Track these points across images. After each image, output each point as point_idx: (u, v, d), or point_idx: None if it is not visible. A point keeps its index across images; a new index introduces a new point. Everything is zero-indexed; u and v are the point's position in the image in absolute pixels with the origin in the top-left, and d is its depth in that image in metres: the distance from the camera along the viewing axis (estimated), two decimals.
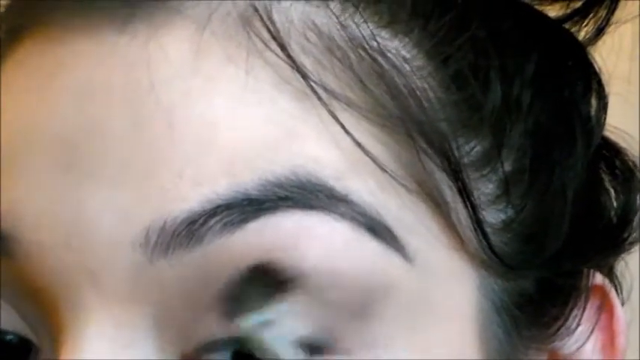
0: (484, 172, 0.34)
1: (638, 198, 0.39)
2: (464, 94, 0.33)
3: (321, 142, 0.32)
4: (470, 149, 0.34)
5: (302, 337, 0.31)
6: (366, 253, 0.31)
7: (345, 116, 0.32)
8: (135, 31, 0.32)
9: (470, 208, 0.33)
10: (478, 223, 0.33)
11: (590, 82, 0.39)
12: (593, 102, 0.38)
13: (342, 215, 0.31)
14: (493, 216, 0.34)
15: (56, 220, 0.31)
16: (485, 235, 0.33)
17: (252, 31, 0.32)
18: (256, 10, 0.32)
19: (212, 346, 0.31)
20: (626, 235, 0.39)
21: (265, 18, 0.32)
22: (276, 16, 0.32)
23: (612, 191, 0.40)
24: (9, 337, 0.33)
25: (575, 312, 0.37)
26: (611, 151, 0.40)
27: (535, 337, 0.36)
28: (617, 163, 0.40)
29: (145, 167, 0.31)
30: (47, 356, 0.32)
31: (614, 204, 0.40)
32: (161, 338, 0.31)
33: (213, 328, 0.31)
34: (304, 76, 0.31)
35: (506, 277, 0.34)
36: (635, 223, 0.39)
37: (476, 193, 0.33)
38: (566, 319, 0.36)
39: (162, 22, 0.32)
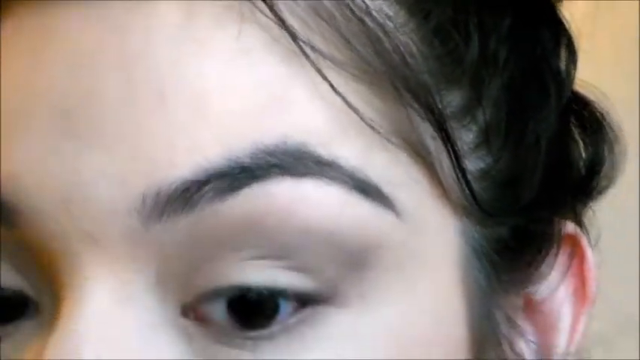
0: (464, 123, 0.35)
1: (605, 149, 0.40)
2: (445, 48, 0.34)
3: (309, 105, 0.32)
4: (451, 100, 0.34)
5: (299, 292, 0.32)
6: (358, 213, 0.32)
7: (333, 75, 0.32)
8: (121, 2, 0.32)
9: (453, 157, 0.34)
10: (461, 171, 0.34)
11: (559, 37, 0.39)
12: (563, 56, 0.39)
13: (332, 179, 0.32)
14: (473, 164, 0.35)
15: (55, 187, 0.32)
16: (467, 182, 0.34)
17: None
18: None
19: (211, 295, 0.32)
20: (594, 184, 0.40)
21: None
22: None
23: (581, 143, 0.41)
24: (6, 292, 0.33)
25: (548, 258, 0.38)
26: (580, 104, 0.41)
27: (512, 281, 0.37)
28: (586, 115, 0.41)
29: (138, 135, 0.31)
30: (48, 310, 0.33)
31: (583, 155, 0.40)
32: (161, 291, 0.32)
33: (212, 278, 0.32)
34: (293, 36, 0.32)
35: (484, 224, 0.35)
36: (602, 174, 0.40)
37: (458, 143, 0.34)
38: (540, 265, 0.37)
39: None
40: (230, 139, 0.31)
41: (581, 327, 0.39)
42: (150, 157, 0.31)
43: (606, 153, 0.41)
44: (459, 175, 0.34)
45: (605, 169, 0.41)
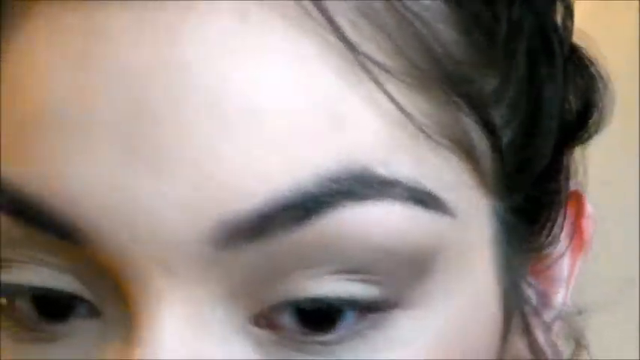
0: (498, 103, 0.34)
1: (595, 95, 0.40)
2: (480, 31, 0.33)
3: (367, 119, 0.32)
4: (489, 85, 0.34)
5: (368, 301, 0.32)
6: (420, 223, 0.32)
7: (388, 84, 0.32)
8: (174, 2, 0.31)
9: (493, 145, 0.34)
10: (500, 158, 0.34)
11: None
12: (560, 10, 0.39)
13: (395, 197, 0.32)
14: (502, 141, 0.35)
15: (118, 212, 0.31)
16: (504, 163, 0.34)
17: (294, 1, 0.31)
18: None
19: (282, 306, 0.32)
20: (584, 129, 0.40)
21: None
22: None
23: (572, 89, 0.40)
24: (56, 292, 0.33)
25: (559, 219, 0.38)
26: (570, 50, 0.40)
27: (530, 249, 0.38)
28: (576, 61, 0.40)
29: (204, 160, 0.31)
30: (109, 314, 0.33)
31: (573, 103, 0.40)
32: (232, 304, 0.32)
33: (283, 291, 0.32)
34: (352, 49, 0.31)
35: (506, 197, 0.35)
36: (595, 118, 0.40)
37: (495, 127, 0.34)
38: (553, 227, 0.38)
39: None
40: (296, 167, 0.31)
41: (576, 272, 0.40)
42: (219, 184, 0.30)
43: (596, 99, 0.40)
44: (498, 162, 0.34)
45: (595, 115, 0.40)
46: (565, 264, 0.40)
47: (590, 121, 0.40)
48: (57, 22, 0.32)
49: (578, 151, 0.41)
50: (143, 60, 0.31)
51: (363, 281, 0.32)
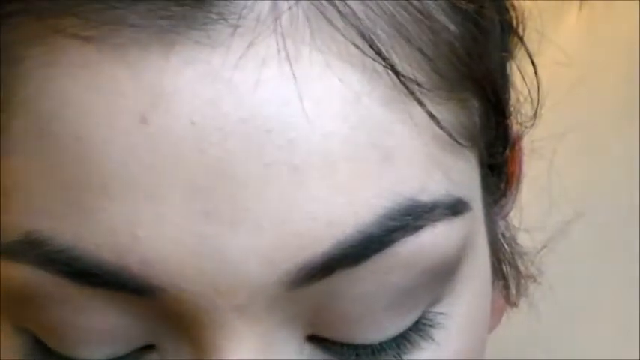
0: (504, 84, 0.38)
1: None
2: (475, 22, 0.34)
3: (410, 149, 0.33)
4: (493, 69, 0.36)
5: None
6: (457, 231, 0.34)
7: (426, 101, 0.33)
8: (226, 46, 0.31)
9: (500, 120, 0.36)
10: (504, 130, 0.37)
11: None
12: None
13: (436, 219, 0.33)
14: None
15: (200, 270, 0.32)
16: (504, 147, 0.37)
17: (332, 26, 0.31)
18: (324, 2, 0.31)
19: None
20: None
21: (342, 10, 0.31)
22: (347, 8, 0.31)
23: None
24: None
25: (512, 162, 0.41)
26: None
27: (498, 196, 0.40)
28: None
29: (279, 211, 0.31)
30: (170, 354, 0.34)
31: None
32: (291, 329, 0.34)
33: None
34: (398, 74, 0.32)
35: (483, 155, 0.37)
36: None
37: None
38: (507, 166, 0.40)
39: (247, 32, 0.31)
40: (358, 209, 0.32)
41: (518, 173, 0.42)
42: (294, 232, 0.32)
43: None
44: (498, 144, 0.37)
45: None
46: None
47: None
48: (96, 61, 0.31)
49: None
50: (209, 113, 0.31)
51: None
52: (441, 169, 0.34)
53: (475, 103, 0.35)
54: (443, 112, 0.33)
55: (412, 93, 0.32)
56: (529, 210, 0.46)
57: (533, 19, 0.41)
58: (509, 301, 0.44)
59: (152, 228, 0.31)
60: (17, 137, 0.32)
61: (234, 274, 0.32)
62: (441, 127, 0.33)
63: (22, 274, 0.32)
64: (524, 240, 0.44)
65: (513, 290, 0.43)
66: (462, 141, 0.34)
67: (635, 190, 0.94)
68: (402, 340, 0.35)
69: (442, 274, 0.34)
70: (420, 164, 0.33)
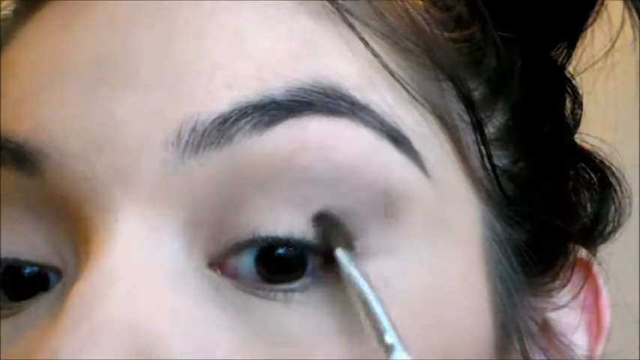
0: (487, 113, 0.36)
1: (611, 204, 0.41)
2: (465, 38, 0.35)
3: (341, 56, 0.33)
4: (476, 87, 0.35)
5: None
6: (388, 159, 0.33)
7: (366, 36, 0.34)
8: None
9: (480, 137, 0.35)
10: (487, 153, 0.35)
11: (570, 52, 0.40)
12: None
13: (365, 122, 0.33)
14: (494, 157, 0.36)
15: (86, 127, 0.32)
16: (492, 165, 0.35)
17: None
18: None
19: (238, 248, 0.32)
20: (599, 232, 0.41)
21: None
22: None
23: (587, 194, 0.41)
24: (28, 270, 0.33)
25: (562, 274, 0.38)
26: (587, 159, 0.42)
27: (530, 288, 0.37)
28: (592, 169, 0.42)
29: (175, 74, 0.32)
30: (69, 276, 0.33)
31: (589, 207, 0.41)
32: (190, 240, 0.32)
33: (240, 228, 0.32)
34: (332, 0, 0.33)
35: (502, 219, 0.36)
36: (606, 227, 0.41)
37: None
38: (555, 278, 0.38)
39: None
40: (266, 77, 0.32)
41: (596, 356, 0.39)
42: (188, 92, 0.32)
43: (611, 207, 0.42)
44: (484, 156, 0.35)
45: (611, 215, 0.42)
46: (580, 342, 0.39)
47: (599, 230, 0.41)
48: (56, 8, 0.35)
49: None
50: (127, 7, 0.33)
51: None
52: (385, 97, 0.33)
53: (444, 84, 0.35)
54: (392, 57, 0.34)
55: (342, 15, 0.34)
56: None
57: None
58: None
59: (45, 100, 0.33)
60: None
61: (120, 132, 0.32)
62: (377, 57, 0.34)
63: None
64: None
65: None
66: (416, 95, 0.34)
67: (636, 191, 0.94)
68: (326, 288, 0.32)
69: (369, 200, 0.32)
70: (355, 73, 0.33)
